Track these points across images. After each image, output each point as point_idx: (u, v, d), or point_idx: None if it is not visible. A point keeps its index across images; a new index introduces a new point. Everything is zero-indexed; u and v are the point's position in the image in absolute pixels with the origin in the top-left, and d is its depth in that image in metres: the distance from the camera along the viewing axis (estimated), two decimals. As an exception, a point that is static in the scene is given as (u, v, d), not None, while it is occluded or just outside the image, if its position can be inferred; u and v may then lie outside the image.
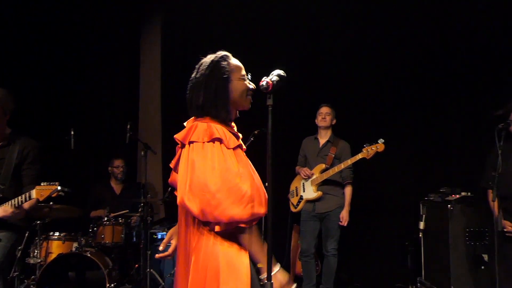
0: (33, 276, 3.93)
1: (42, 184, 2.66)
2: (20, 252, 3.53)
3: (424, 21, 4.85)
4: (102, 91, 5.67)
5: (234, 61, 1.79)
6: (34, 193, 2.65)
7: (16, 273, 3.70)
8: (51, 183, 2.67)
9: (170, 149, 6.63)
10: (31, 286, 3.89)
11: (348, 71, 5.00)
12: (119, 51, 5.77)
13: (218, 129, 1.66)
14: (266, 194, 1.62)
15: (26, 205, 2.71)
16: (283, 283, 1.64)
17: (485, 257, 3.80)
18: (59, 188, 2.65)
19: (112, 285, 3.96)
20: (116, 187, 5.11)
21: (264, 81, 1.56)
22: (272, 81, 1.60)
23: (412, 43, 4.91)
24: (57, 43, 5.37)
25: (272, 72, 1.68)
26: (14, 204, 2.67)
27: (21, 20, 5.14)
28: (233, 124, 1.83)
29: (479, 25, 4.52)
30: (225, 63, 1.75)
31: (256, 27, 5.20)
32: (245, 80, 1.78)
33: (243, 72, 1.78)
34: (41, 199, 2.65)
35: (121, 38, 5.75)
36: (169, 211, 5.37)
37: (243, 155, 1.71)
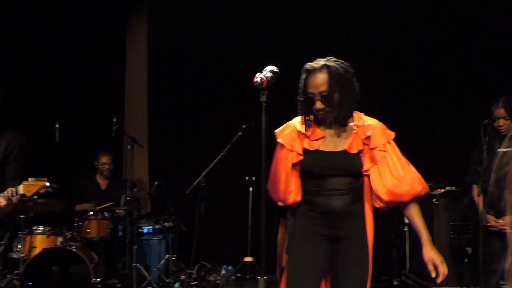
0: (16, 271, 3.87)
1: (29, 179, 2.60)
2: (2, 247, 3.47)
3: (414, 16, 4.87)
4: (87, 83, 5.58)
5: None
6: (21, 188, 2.58)
7: (-2, 268, 3.64)
8: (39, 179, 2.61)
9: (156, 142, 6.64)
10: (14, 281, 3.83)
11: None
12: (104, 41, 5.66)
13: None
14: None
15: (14, 200, 2.64)
16: None
17: (469, 250, 3.87)
18: (47, 184, 2.60)
19: (98, 279, 3.93)
20: (102, 182, 5.06)
21: (258, 77, 1.61)
22: (266, 77, 1.65)
23: (402, 40, 4.93)
24: (41, 33, 5.27)
25: (265, 68, 1.69)
26: (4, 198, 2.60)
27: (6, 12, 5.04)
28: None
29: (468, 20, 4.55)
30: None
31: (247, 19, 5.15)
32: None
33: None
34: (28, 195, 2.59)
35: (106, 27, 5.67)
36: (156, 206, 5.33)
37: None
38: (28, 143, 2.95)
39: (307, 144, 2.07)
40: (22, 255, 3.88)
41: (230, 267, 5.02)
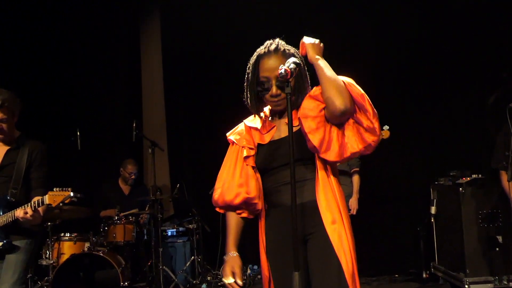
0: (46, 278, 3.96)
1: (54, 189, 2.63)
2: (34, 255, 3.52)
3: (424, 5, 4.80)
4: (104, 89, 5.64)
5: None
6: (47, 198, 2.61)
7: (29, 275, 3.71)
8: (64, 188, 2.64)
9: (175, 145, 6.62)
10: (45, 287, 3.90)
11: (349, 55, 4.93)
12: (118, 45, 5.75)
13: None
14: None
15: (40, 211, 2.68)
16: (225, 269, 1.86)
17: (499, 238, 3.78)
18: (71, 194, 2.62)
19: (126, 283, 3.97)
20: (125, 188, 5.10)
21: (282, 69, 1.60)
22: (290, 69, 1.64)
23: (416, 25, 4.86)
24: (56, 41, 5.34)
25: (288, 60, 1.71)
26: (31, 208, 2.64)
27: (22, 20, 5.12)
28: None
29: (483, 5, 4.47)
30: None
31: (258, 16, 5.16)
32: None
33: None
34: (54, 205, 2.61)
35: (120, 33, 5.73)
36: (178, 208, 5.36)
37: None
38: (51, 152, 2.98)
39: (258, 139, 1.90)
40: (51, 261, 3.97)
41: (255, 267, 5.02)
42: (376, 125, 1.75)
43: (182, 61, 5.64)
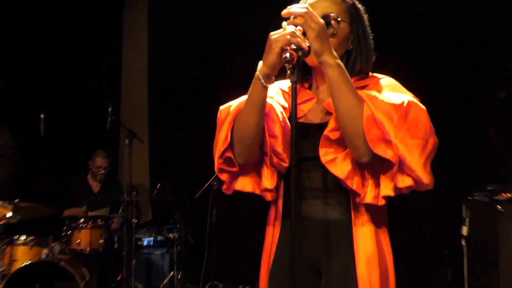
0: (-6, 288, 3.93)
1: None
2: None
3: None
4: (75, 66, 5.66)
5: None
6: None
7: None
8: (8, 202, 2.58)
9: (158, 136, 6.62)
10: (-9, 299, 3.88)
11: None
12: (96, 16, 5.73)
13: None
14: None
15: None
16: None
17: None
18: (8, 215, 2.57)
19: (90, 300, 3.98)
20: (95, 184, 5.11)
21: (287, 52, 1.46)
22: (297, 50, 1.47)
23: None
24: (25, 14, 5.33)
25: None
26: None
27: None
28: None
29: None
30: None
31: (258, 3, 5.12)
32: None
33: None
34: None
35: (100, 4, 5.73)
36: (158, 213, 5.40)
37: None
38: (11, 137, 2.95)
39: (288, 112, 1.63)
40: (1, 269, 3.93)
41: (247, 288, 5.02)
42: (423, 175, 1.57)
43: (172, 36, 5.64)
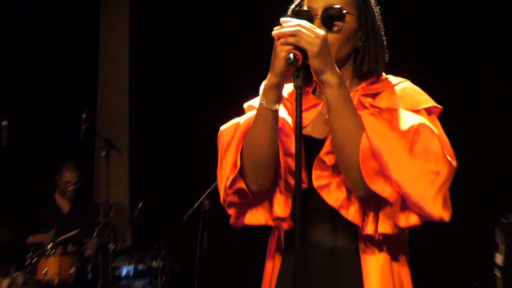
0: None
1: None
2: None
3: None
4: (44, 66, 5.63)
5: None
6: None
7: None
8: None
9: (139, 148, 6.53)
10: None
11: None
12: (71, 13, 5.71)
13: None
14: None
15: None
16: None
17: None
18: None
19: None
20: (64, 204, 5.09)
21: (290, 53, 1.44)
22: (303, 52, 1.45)
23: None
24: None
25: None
26: None
27: None
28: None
29: None
30: None
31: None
32: None
33: None
34: None
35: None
36: (139, 237, 5.37)
37: None
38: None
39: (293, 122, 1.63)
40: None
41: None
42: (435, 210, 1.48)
43: (156, 32, 5.60)
